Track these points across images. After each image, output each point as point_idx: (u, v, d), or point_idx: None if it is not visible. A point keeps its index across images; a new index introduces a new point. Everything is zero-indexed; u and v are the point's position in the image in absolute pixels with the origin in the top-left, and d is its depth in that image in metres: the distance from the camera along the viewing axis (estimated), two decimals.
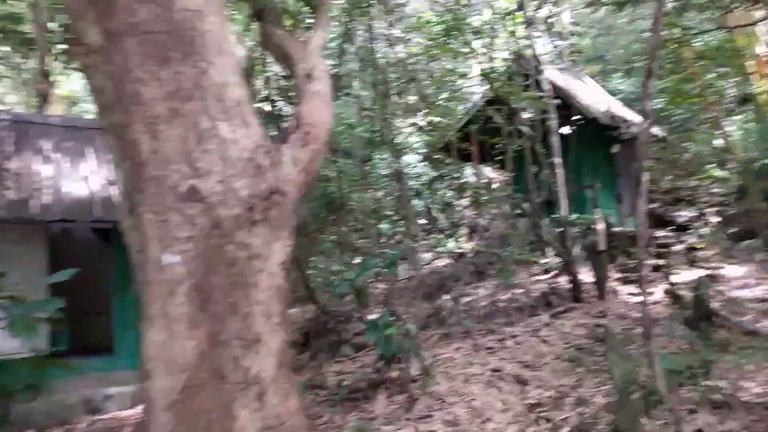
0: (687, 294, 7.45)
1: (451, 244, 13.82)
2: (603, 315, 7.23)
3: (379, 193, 11.66)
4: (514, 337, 6.31)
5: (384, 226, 11.09)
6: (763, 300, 6.77)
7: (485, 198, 10.94)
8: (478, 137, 12.09)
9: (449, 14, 8.53)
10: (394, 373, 5.66)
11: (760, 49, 9.42)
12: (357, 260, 12.16)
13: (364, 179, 8.90)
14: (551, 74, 10.83)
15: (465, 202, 14.78)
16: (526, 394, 4.94)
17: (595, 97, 11.77)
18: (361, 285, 5.99)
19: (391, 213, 11.27)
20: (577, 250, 8.13)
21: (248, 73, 8.55)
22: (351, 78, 17.82)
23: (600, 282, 8.11)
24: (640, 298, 8.23)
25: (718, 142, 12.65)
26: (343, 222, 9.22)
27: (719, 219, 11.98)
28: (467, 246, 13.13)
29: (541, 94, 8.87)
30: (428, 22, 8.88)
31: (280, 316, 2.38)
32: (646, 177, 2.87)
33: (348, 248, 10.50)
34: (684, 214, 12.25)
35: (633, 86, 16.55)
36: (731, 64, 9.41)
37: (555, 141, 9.30)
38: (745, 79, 9.86)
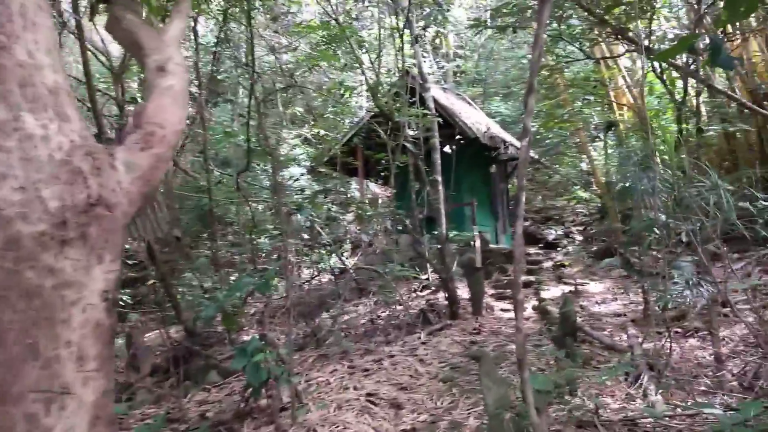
0: (554, 310, 7.83)
1: (333, 260, 13.57)
2: (478, 331, 7.35)
3: (259, 206, 11.12)
4: (392, 357, 6.15)
5: (263, 240, 10.57)
6: (618, 315, 7.28)
7: (369, 213, 10.84)
8: (363, 152, 12.02)
9: (334, 23, 8.34)
10: (263, 402, 5.22)
11: (620, 81, 10.34)
12: (233, 277, 11.48)
13: (241, 191, 8.34)
14: (436, 93, 11.07)
15: (350, 217, 14.67)
16: (400, 419, 4.76)
17: (476, 117, 12.24)
18: (229, 306, 5.49)
19: (271, 227, 10.79)
20: (454, 267, 8.24)
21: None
22: (232, 83, 17.03)
23: (476, 298, 8.27)
24: (513, 317, 8.53)
25: (583, 166, 13.78)
26: (217, 236, 8.57)
27: (582, 237, 12.97)
28: (350, 262, 12.97)
29: (425, 111, 8.95)
30: (311, 27, 8.61)
31: (99, 360, 1.92)
32: (522, 197, 2.78)
33: (223, 264, 9.82)
34: (553, 232, 13.13)
35: (510, 109, 17.61)
36: (596, 93, 10.24)
37: (437, 159, 9.43)
38: (609, 107, 10.78)
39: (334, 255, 10.14)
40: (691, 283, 4.73)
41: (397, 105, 9.07)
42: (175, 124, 2.52)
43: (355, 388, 5.46)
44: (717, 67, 5.95)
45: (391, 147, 9.29)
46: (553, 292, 9.03)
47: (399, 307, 8.73)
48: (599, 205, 12.03)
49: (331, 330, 8.00)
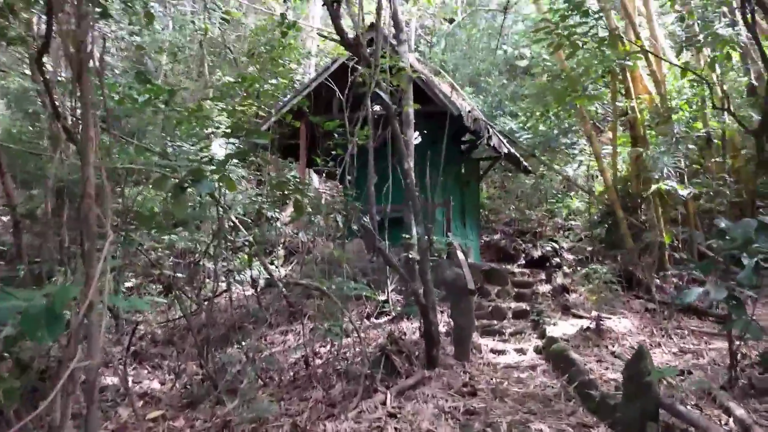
0: (576, 356, 5.50)
1: (258, 270, 10.83)
2: (471, 390, 4.89)
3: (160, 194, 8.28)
4: None
5: (173, 237, 7.78)
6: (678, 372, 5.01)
7: (310, 209, 8.20)
8: (309, 125, 9.49)
9: None
10: None
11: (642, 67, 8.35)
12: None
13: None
14: (411, 57, 8.68)
15: (287, 214, 11.96)
16: None
17: (456, 96, 9.89)
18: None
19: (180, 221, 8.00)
20: (431, 288, 5.75)
21: None
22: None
23: (462, 335, 5.84)
24: (509, 358, 6.06)
25: (569, 170, 11.76)
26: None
27: (573, 255, 10.86)
28: (282, 272, 10.32)
29: (401, 65, 6.51)
30: None
31: None
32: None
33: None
34: (536, 248, 10.98)
35: (482, 104, 15.50)
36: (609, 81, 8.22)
37: (411, 137, 6.99)
38: (625, 95, 8.75)
39: (257, 262, 7.46)
40: None
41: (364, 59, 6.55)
42: None
43: None
44: None
45: (350, 120, 6.76)
46: (562, 327, 6.72)
47: (348, 341, 6.18)
48: (600, 214, 9.98)
49: (240, 374, 5.35)
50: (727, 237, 4.24)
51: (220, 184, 4.35)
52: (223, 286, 6.30)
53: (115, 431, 4.45)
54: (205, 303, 5.79)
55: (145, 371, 6.21)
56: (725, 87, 7.92)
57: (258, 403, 4.75)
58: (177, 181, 3.71)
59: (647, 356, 3.65)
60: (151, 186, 5.76)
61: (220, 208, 5.65)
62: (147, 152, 5.68)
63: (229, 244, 6.16)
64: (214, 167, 4.40)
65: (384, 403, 4.34)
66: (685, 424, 3.61)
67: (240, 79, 7.81)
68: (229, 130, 6.95)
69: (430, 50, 19.91)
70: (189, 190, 3.81)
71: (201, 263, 6.51)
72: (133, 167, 5.16)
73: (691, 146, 8.04)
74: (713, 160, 8.78)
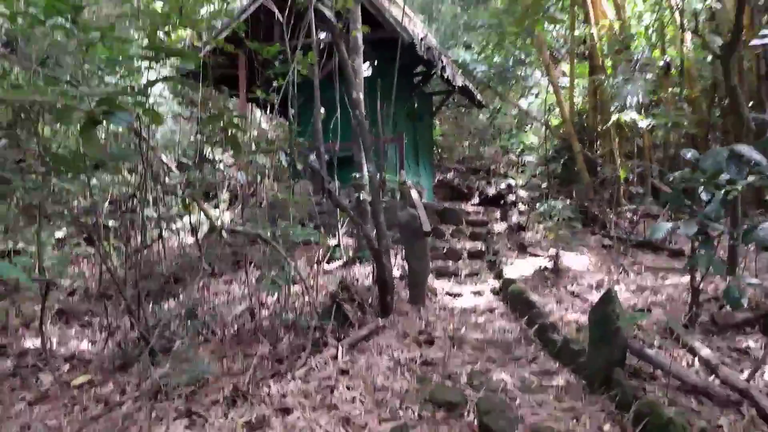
0: (535, 298, 5.33)
1: (198, 216, 10.23)
2: (429, 338, 4.64)
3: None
4: (286, 411, 3.23)
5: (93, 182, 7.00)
6: (635, 310, 4.90)
7: (253, 147, 7.60)
8: (248, 61, 8.70)
9: None
10: None
11: None
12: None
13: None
14: None
15: (231, 154, 11.22)
16: None
17: (408, 22, 9.21)
18: None
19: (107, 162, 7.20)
20: (384, 231, 5.37)
21: None
22: None
23: (417, 280, 5.56)
24: (465, 301, 5.83)
25: (523, 103, 11.37)
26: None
27: (528, 193, 10.69)
28: (227, 217, 9.78)
29: None
30: None
31: None
32: None
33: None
34: (491, 186, 10.74)
35: (435, 34, 14.75)
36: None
37: (360, 65, 6.40)
38: (584, 21, 8.32)
39: (196, 207, 6.87)
40: None
41: None
42: None
43: None
44: None
45: (292, 48, 6.07)
46: (519, 267, 6.54)
47: (296, 290, 5.82)
48: (556, 149, 9.74)
49: (179, 330, 4.92)
50: (697, 168, 3.99)
51: (142, 116, 3.76)
52: (158, 234, 5.73)
53: (35, 401, 3.98)
54: (137, 253, 5.24)
55: (73, 330, 5.68)
56: (685, 11, 7.60)
57: (196, 362, 4.36)
58: (87, 112, 3.10)
59: (615, 300, 3.42)
60: (56, 120, 5.03)
61: (144, 146, 5.00)
62: (62, 83, 4.92)
63: (159, 187, 5.54)
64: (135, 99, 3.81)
65: (335, 358, 4.03)
66: (652, 367, 3.45)
67: None
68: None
69: None
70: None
71: (137, 210, 5.88)
72: (39, 99, 4.43)
73: (650, 76, 7.77)
74: (670, 90, 8.60)
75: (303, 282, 4.95)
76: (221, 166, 10.54)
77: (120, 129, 4.90)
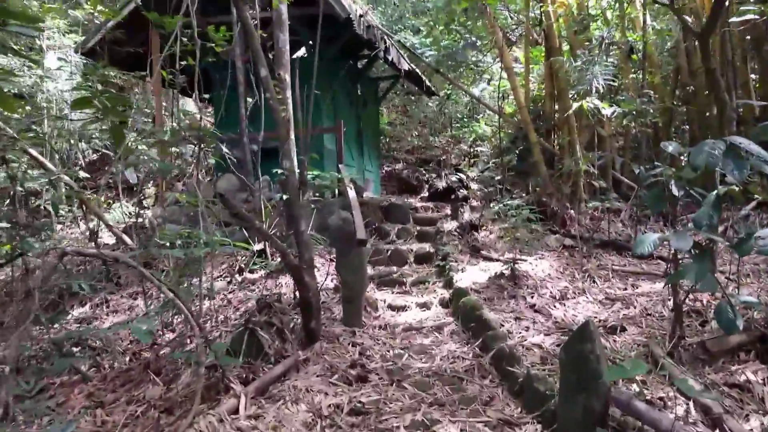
0: (492, 316, 4.54)
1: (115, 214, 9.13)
2: (363, 375, 3.77)
3: None
4: None
5: None
6: (606, 327, 4.18)
7: (166, 138, 6.52)
8: (161, 37, 7.57)
9: None
10: None
11: None
12: None
13: None
14: None
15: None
16: None
17: None
18: None
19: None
20: (308, 240, 4.46)
21: None
22: None
23: (351, 295, 4.67)
24: (411, 316, 5.02)
25: (489, 88, 10.61)
26: None
27: (480, 186, 9.97)
28: (149, 214, 8.65)
29: None
30: None
31: None
32: None
33: None
34: (442, 178, 9.96)
35: (381, 17, 13.84)
36: None
37: (285, 43, 5.41)
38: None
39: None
40: None
41: None
42: None
43: None
44: None
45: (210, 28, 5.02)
46: (471, 273, 5.76)
47: (206, 307, 4.87)
48: (511, 139, 9.02)
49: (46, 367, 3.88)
50: (688, 165, 3.26)
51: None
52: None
53: None
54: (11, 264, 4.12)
55: None
56: None
57: (58, 419, 3.36)
58: None
59: (593, 336, 2.64)
60: None
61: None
62: None
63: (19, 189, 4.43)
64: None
65: (236, 412, 3.10)
66: (642, 423, 2.69)
67: None
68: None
69: None
70: None
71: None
72: None
73: (611, 59, 7.13)
74: (631, 76, 8.01)
75: (193, 314, 3.97)
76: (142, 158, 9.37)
77: None
